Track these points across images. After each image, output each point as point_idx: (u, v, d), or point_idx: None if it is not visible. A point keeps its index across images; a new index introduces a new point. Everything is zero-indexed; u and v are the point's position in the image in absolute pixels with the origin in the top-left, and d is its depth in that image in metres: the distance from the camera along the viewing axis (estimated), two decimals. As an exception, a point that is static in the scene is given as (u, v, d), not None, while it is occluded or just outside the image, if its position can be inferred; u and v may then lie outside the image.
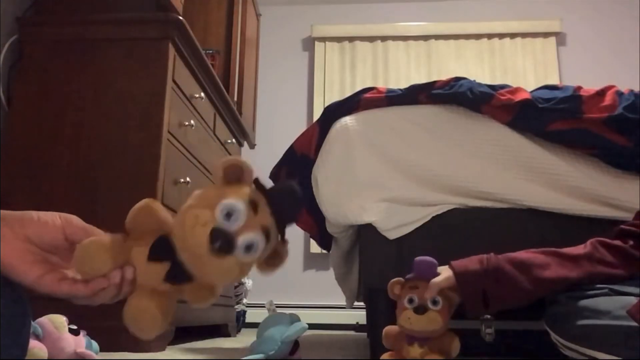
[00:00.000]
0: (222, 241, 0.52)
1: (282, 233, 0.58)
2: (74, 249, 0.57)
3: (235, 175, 0.56)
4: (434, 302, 0.96)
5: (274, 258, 0.59)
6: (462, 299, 0.99)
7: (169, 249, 0.55)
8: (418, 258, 1.03)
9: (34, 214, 0.57)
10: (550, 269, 0.97)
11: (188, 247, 0.54)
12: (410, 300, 0.98)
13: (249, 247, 0.54)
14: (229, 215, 0.53)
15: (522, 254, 1.01)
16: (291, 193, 0.58)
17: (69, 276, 0.57)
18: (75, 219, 0.59)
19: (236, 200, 0.54)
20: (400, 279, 1.03)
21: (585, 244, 1.02)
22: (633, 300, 0.84)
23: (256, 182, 0.57)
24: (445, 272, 1.01)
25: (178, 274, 0.56)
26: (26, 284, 0.55)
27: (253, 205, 0.54)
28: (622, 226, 1.04)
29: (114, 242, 0.56)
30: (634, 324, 0.78)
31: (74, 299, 0.57)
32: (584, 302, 0.90)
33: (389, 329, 1.03)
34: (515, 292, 0.97)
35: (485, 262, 0.99)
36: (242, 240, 0.53)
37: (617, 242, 1.01)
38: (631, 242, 1.00)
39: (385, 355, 1.02)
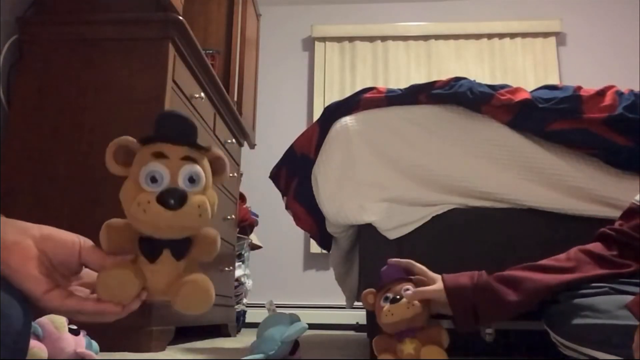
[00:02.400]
0: (172, 199, 0.54)
1: (198, 146, 0.59)
2: (80, 270, 0.60)
3: (126, 154, 0.59)
4: (407, 291, 1.01)
5: (215, 165, 0.61)
6: (453, 311, 1.00)
7: (155, 241, 0.57)
8: (382, 268, 1.07)
9: (53, 229, 0.59)
10: (535, 281, 0.97)
11: (159, 227, 0.55)
12: (385, 298, 1.02)
13: (191, 180, 0.56)
14: (153, 178, 0.56)
15: (508, 272, 1.01)
16: (166, 116, 0.59)
17: (73, 293, 0.58)
18: (91, 243, 0.60)
19: (145, 163, 0.56)
20: (372, 289, 1.05)
21: (568, 256, 1.02)
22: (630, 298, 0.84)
23: (141, 140, 0.59)
24: (437, 285, 1.02)
25: (180, 248, 0.58)
26: (33, 296, 0.56)
27: (158, 155, 0.57)
28: (605, 229, 1.04)
29: (133, 266, 0.58)
30: (633, 322, 0.78)
31: (76, 316, 0.58)
32: (583, 302, 0.90)
33: (378, 338, 1.04)
34: (503, 307, 0.98)
35: (475, 278, 1.00)
36: (180, 181, 0.56)
37: (600, 251, 1.00)
38: (614, 252, 0.99)
39: (382, 355, 1.02)
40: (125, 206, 0.57)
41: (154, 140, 0.58)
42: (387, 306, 1.00)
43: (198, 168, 0.57)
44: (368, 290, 1.07)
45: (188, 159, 0.57)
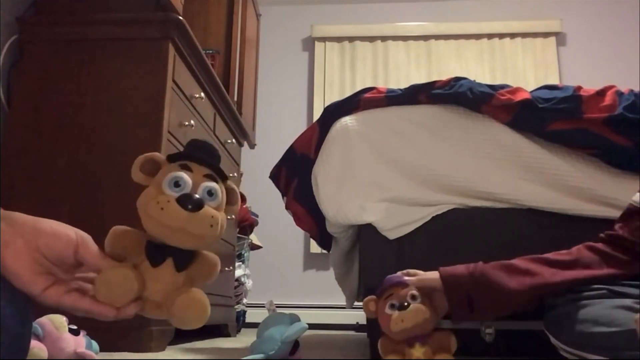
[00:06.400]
0: (190, 201, 0.58)
1: (219, 172, 0.64)
2: (80, 268, 0.59)
3: (151, 167, 0.62)
4: (413, 297, 1.00)
5: (228, 196, 0.65)
6: (447, 301, 1.00)
7: (161, 247, 0.59)
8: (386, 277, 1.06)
9: (50, 223, 0.58)
10: (536, 274, 0.97)
11: (171, 229, 0.57)
12: (392, 306, 1.00)
13: (210, 192, 0.61)
14: (176, 184, 0.59)
15: (508, 261, 1.01)
16: (196, 142, 0.65)
17: (73, 289, 0.58)
18: (89, 240, 0.60)
19: (172, 171, 0.60)
20: (373, 296, 1.05)
21: (570, 250, 1.02)
22: (629, 302, 0.84)
23: (169, 157, 0.62)
24: (434, 273, 1.02)
25: (183, 259, 0.60)
26: (31, 294, 0.56)
27: (186, 168, 0.61)
28: (604, 237, 1.03)
29: (134, 271, 0.58)
30: (632, 327, 0.77)
31: (74, 312, 0.58)
32: (583, 309, 0.89)
33: (384, 340, 1.04)
34: (499, 296, 0.97)
35: (471, 267, 1.00)
36: (200, 191, 0.60)
37: (604, 249, 1.00)
38: (619, 252, 0.99)
39: (389, 356, 1.02)
40: (141, 207, 0.59)
41: (182, 158, 0.62)
42: (396, 313, 0.99)
43: (217, 185, 0.62)
44: (369, 297, 1.06)
45: (210, 177, 0.62)
